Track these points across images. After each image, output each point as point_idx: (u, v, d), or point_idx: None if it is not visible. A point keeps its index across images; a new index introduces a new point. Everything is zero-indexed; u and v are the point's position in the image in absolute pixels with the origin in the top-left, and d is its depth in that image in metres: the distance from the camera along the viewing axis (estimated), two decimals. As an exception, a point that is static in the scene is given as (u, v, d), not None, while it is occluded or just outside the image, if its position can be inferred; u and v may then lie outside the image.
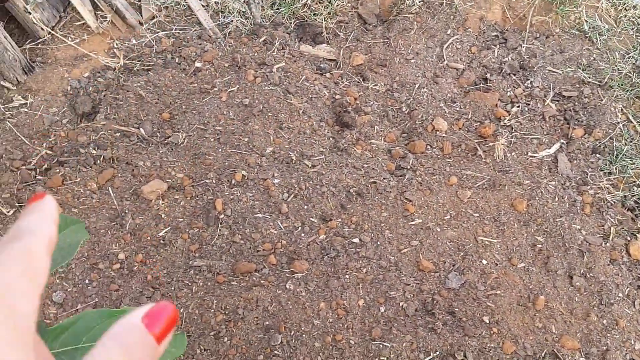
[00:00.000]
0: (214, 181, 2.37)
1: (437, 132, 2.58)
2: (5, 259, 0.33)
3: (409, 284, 2.09)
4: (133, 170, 2.37)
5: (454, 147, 2.55)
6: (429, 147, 2.56)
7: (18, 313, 0.31)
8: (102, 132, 2.47)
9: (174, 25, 2.88)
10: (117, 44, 2.77)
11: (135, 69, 2.70)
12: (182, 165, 2.42)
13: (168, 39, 2.80)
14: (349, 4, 3.00)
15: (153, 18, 2.90)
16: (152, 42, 2.78)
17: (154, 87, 2.65)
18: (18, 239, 0.36)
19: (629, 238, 2.19)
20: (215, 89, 2.66)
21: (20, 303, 0.32)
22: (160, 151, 2.46)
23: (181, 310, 2.01)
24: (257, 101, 2.62)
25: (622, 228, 2.22)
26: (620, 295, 2.07)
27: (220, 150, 2.48)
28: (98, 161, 2.38)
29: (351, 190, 2.36)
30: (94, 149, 2.42)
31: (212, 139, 2.50)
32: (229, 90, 2.66)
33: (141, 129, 2.50)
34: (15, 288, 0.32)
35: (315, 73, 2.78)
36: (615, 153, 2.39)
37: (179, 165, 2.42)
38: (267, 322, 1.97)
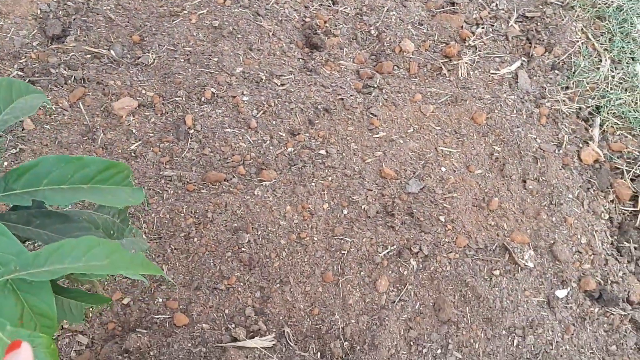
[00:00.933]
0: (183, 99, 2.46)
1: (405, 54, 2.68)
2: None
3: (372, 190, 2.22)
4: (104, 89, 2.44)
5: (420, 67, 2.65)
6: (396, 67, 2.65)
7: None
8: (73, 54, 2.53)
9: (143, -50, 2.90)
10: (85, -32, 2.79)
11: (104, -8, 2.74)
12: (153, 84, 2.50)
13: (137, -37, 2.83)
14: None
15: (121, -58, 2.92)
16: (121, -34, 2.81)
17: (124, 10, 2.70)
18: None
19: (580, 145, 2.33)
20: (185, 12, 2.72)
21: None
22: (131, 71, 2.53)
23: (152, 215, 2.13)
24: (226, 23, 2.68)
25: (575, 136, 2.36)
26: (570, 196, 2.22)
27: (189, 70, 2.56)
28: (69, 81, 2.45)
29: (319, 106, 2.46)
30: (65, 69, 2.48)
31: (182, 60, 2.57)
32: (199, 12, 2.72)
33: (111, 51, 2.57)
34: None
35: (284, -3, 2.83)
36: (573, 69, 2.50)
37: (149, 84, 2.50)
38: (236, 224, 2.10)
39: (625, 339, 1.93)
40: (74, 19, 2.66)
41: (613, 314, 1.97)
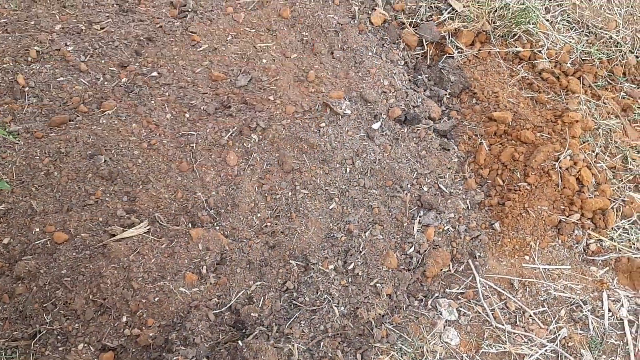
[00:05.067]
0: (11, 64, 2.69)
1: (210, -22, 3.08)
2: None
3: (207, 93, 2.62)
4: None
5: (226, -14, 3.07)
6: (205, -9, 3.05)
7: None
8: None
9: None
10: None
11: None
12: (-25, 59, 2.70)
13: None
14: None
15: None
16: None
17: None
18: None
19: (370, 12, 2.89)
20: (-11, -12, 2.91)
21: None
22: (-51, 53, 2.71)
23: (9, 167, 2.38)
24: (33, -11, 2.92)
25: (365, 7, 2.92)
26: (370, 54, 2.78)
27: (9, 38, 2.77)
28: None
29: (141, 38, 2.80)
30: None
31: (0, 32, 2.79)
32: (3, -14, 2.92)
33: None
34: None
35: (84, -47, 3.11)
36: (351, -45, 3.06)
37: (-29, 60, 2.69)
38: (90, 151, 2.41)
39: (431, 144, 2.52)
40: None
41: (419, 129, 2.56)
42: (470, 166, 2.48)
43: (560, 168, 2.36)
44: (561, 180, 2.34)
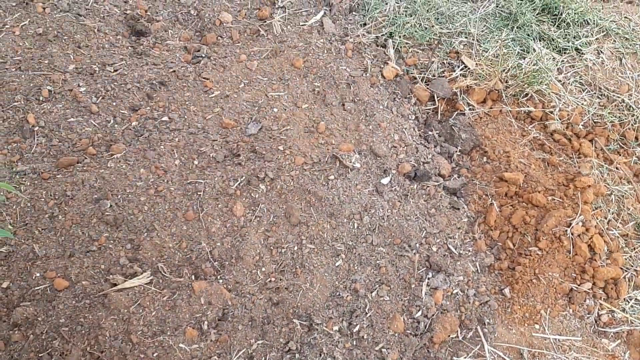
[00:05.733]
0: (22, 102, 2.70)
1: (225, 24, 3.13)
2: None
3: (216, 140, 2.63)
4: (-63, 109, 2.61)
5: (241, 33, 3.11)
6: (219, 37, 3.09)
7: None
8: None
9: (-52, -25, 3.08)
10: None
11: None
12: (-13, 96, 2.71)
13: (-56, -12, 3.01)
14: None
15: None
16: None
17: (-60, 34, 2.87)
18: None
19: (382, 66, 2.92)
20: (7, 27, 2.95)
21: None
22: (-38, 89, 2.73)
23: (13, 207, 2.36)
24: (50, 28, 2.96)
25: (377, 60, 2.95)
26: (381, 107, 2.79)
27: (23, 76, 2.80)
28: None
29: (154, 81, 2.82)
30: None
31: (14, 69, 2.81)
32: (21, 24, 2.97)
33: (-64, 73, 2.74)
34: None
35: (102, -5, 3.17)
36: (366, 7, 3.11)
37: (-17, 97, 2.71)
38: (96, 195, 2.40)
39: (441, 202, 2.51)
40: None
41: (429, 186, 2.54)
42: (480, 227, 2.45)
43: (572, 234, 2.33)
44: (573, 247, 2.32)
